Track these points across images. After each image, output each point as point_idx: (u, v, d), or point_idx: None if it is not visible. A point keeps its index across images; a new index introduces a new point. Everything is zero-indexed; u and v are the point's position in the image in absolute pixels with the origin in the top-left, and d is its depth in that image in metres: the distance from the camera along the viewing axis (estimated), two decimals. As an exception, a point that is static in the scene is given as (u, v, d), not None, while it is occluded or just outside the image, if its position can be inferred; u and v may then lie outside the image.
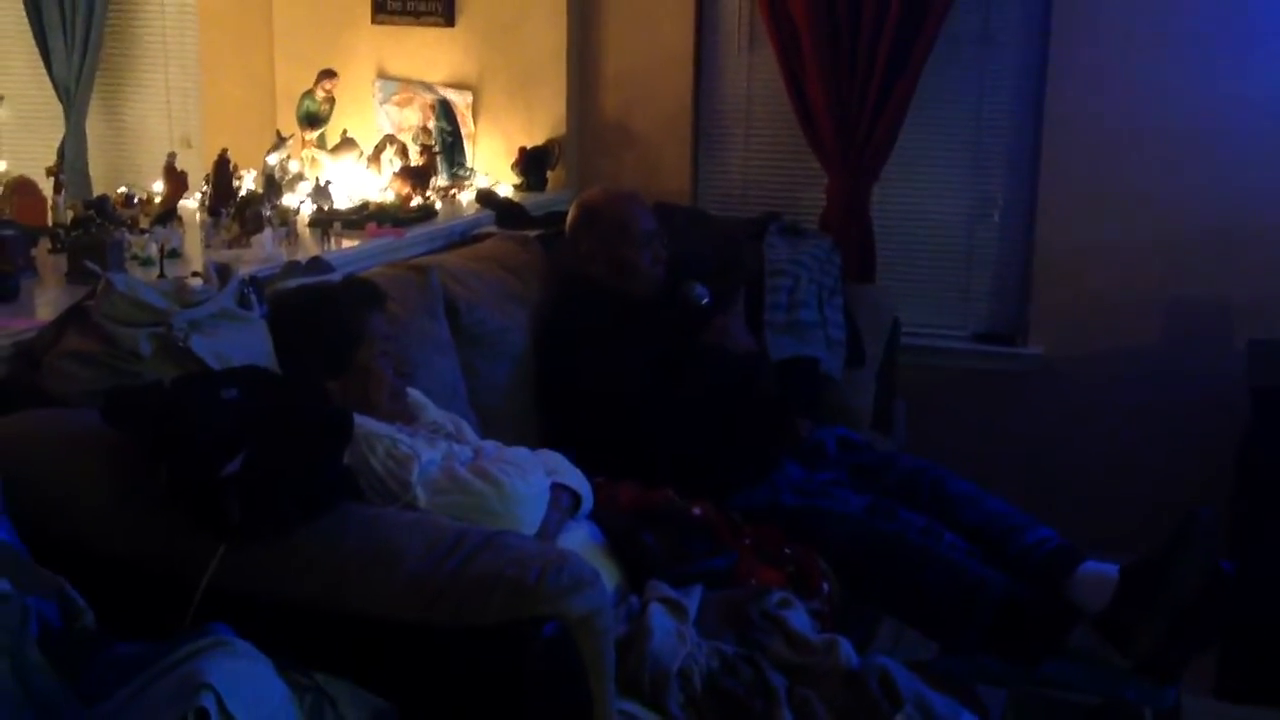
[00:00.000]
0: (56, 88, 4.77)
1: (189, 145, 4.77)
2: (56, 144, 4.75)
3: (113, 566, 2.03)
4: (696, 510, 2.79)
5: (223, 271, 2.51)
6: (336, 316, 2.60)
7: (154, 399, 2.06)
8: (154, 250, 2.86)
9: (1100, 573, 2.87)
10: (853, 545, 2.91)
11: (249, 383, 2.13)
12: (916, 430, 4.07)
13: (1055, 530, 3.06)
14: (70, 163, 4.63)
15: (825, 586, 2.77)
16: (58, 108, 4.79)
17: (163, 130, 4.94)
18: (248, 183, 3.71)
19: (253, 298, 2.51)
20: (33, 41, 4.74)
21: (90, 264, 2.50)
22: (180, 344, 2.26)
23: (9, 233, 2.72)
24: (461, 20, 4.36)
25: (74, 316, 2.29)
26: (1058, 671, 2.82)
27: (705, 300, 3.39)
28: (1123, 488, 4.03)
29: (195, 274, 2.62)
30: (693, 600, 2.45)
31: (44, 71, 4.76)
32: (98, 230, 2.78)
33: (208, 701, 1.59)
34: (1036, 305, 4.15)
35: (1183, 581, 2.72)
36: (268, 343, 2.48)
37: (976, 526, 3.05)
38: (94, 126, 4.88)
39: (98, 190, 4.31)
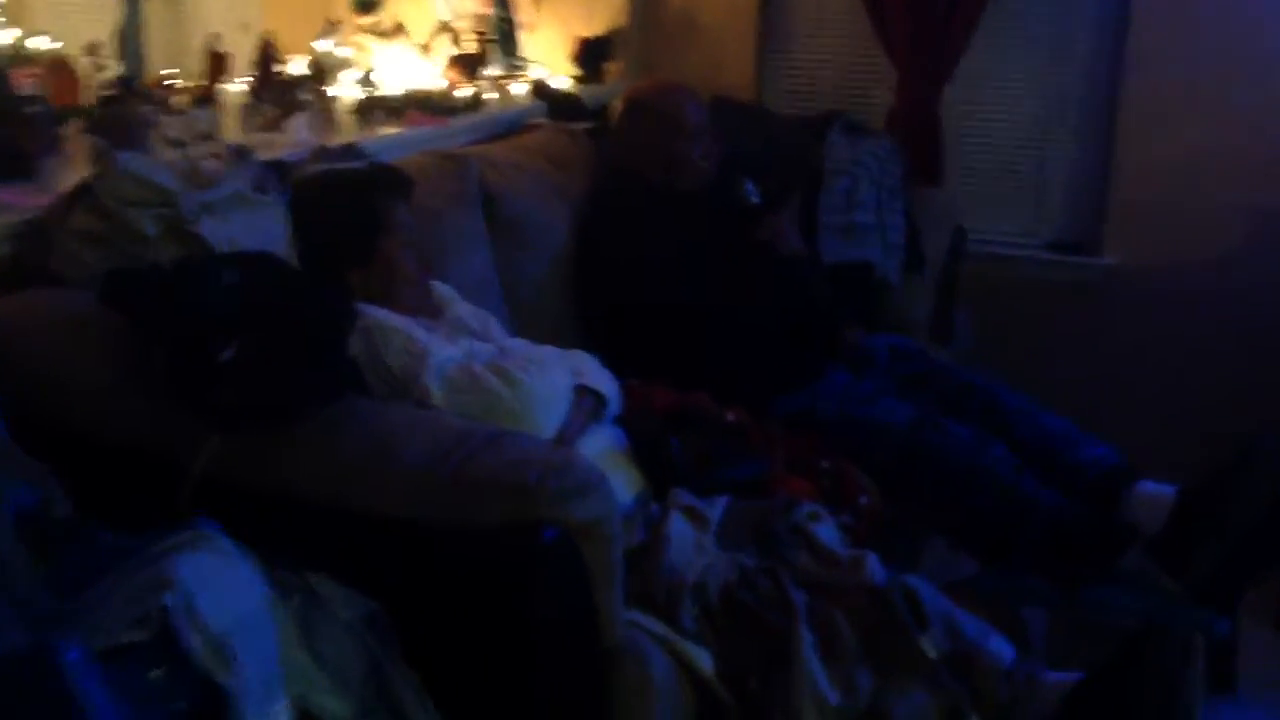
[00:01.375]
0: (115, -32, 4.67)
1: (246, 29, 4.66)
2: (115, 25, 4.66)
3: (104, 453, 1.98)
4: (730, 416, 2.68)
5: (241, 154, 2.41)
6: (359, 204, 2.51)
7: (152, 280, 1.98)
8: (181, 131, 2.77)
9: (1156, 493, 2.76)
10: (895, 457, 2.79)
11: (252, 267, 2.05)
12: (978, 341, 3.91)
13: (1113, 447, 2.92)
14: (129, 43, 4.55)
15: (863, 499, 2.65)
16: (116, -11, 4.70)
17: (220, 14, 4.82)
18: (295, 68, 3.61)
19: (269, 182, 2.41)
20: (90, -79, 4.63)
21: (98, 139, 2.41)
22: (188, 226, 2.18)
23: (35, 109, 2.64)
24: (522, -96, 4.20)
25: (80, 194, 2.21)
26: (1107, 595, 2.71)
27: (755, 198, 3.25)
28: (1191, 409, 3.85)
29: (215, 155, 2.53)
30: (716, 510, 2.35)
31: (102, -49, 4.66)
32: (122, 108, 2.70)
33: (170, 599, 1.52)
34: (1113, 213, 3.96)
35: (1243, 506, 2.59)
36: (284, 229, 2.40)
37: (1029, 441, 2.92)
38: (153, 7, 4.78)
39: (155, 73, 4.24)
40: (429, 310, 2.56)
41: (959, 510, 2.77)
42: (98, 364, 2.03)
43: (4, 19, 3.53)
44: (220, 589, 1.60)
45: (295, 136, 3.01)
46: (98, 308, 2.02)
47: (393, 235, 2.50)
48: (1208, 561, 2.62)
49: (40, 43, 3.59)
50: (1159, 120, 3.83)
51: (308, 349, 1.94)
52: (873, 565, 2.27)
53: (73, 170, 2.68)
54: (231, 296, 1.96)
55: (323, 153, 2.78)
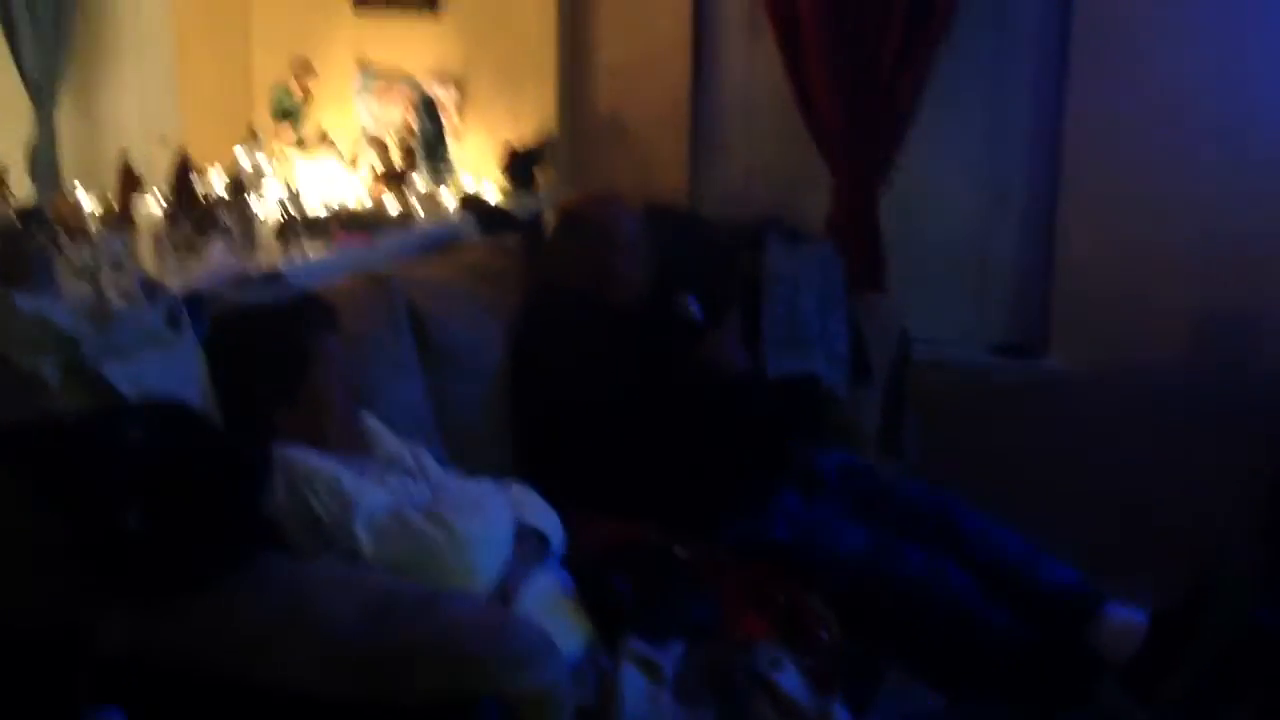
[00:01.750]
0: (26, 81, 4.52)
1: (164, 141, 4.52)
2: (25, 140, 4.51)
3: (-3, 632, 1.80)
4: (678, 549, 2.54)
5: (150, 288, 2.26)
6: (283, 340, 2.37)
7: (49, 437, 1.82)
8: (90, 261, 2.62)
9: (1123, 619, 2.66)
10: (852, 587, 2.66)
11: (158, 420, 1.89)
12: (928, 448, 3.81)
13: (1073, 559, 2.84)
14: (40, 159, 4.40)
15: (823, 634, 2.52)
16: (28, 102, 4.55)
17: (138, 125, 4.69)
18: (215, 183, 3.48)
19: (184, 317, 2.26)
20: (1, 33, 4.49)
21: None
22: (91, 370, 2.01)
23: (-74, 243, 2.49)
24: (447, 8, 4.11)
25: (-27, 340, 2.05)
26: (1076, 725, 2.59)
27: (697, 314, 3.14)
28: (1148, 512, 3.75)
29: (120, 289, 2.38)
30: (670, 658, 2.21)
31: (12, 64, 4.51)
32: (25, 242, 2.54)
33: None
34: (1057, 315, 3.88)
35: (1215, 632, 2.49)
36: (199, 369, 2.24)
37: (989, 564, 2.80)
38: (66, 121, 4.63)
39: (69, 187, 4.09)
40: (358, 447, 2.41)
41: (920, 641, 2.66)
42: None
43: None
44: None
45: (214, 261, 2.86)
46: (-9, 467, 1.86)
47: (319, 371, 2.37)
48: (1180, 687, 2.52)
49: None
50: (1100, 216, 3.76)
51: (219, 511, 1.78)
52: (839, 717, 2.13)
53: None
54: (136, 456, 1.80)
55: (243, 281, 2.63)
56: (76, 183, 3.41)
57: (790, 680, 2.20)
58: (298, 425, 2.31)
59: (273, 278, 2.69)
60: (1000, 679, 2.59)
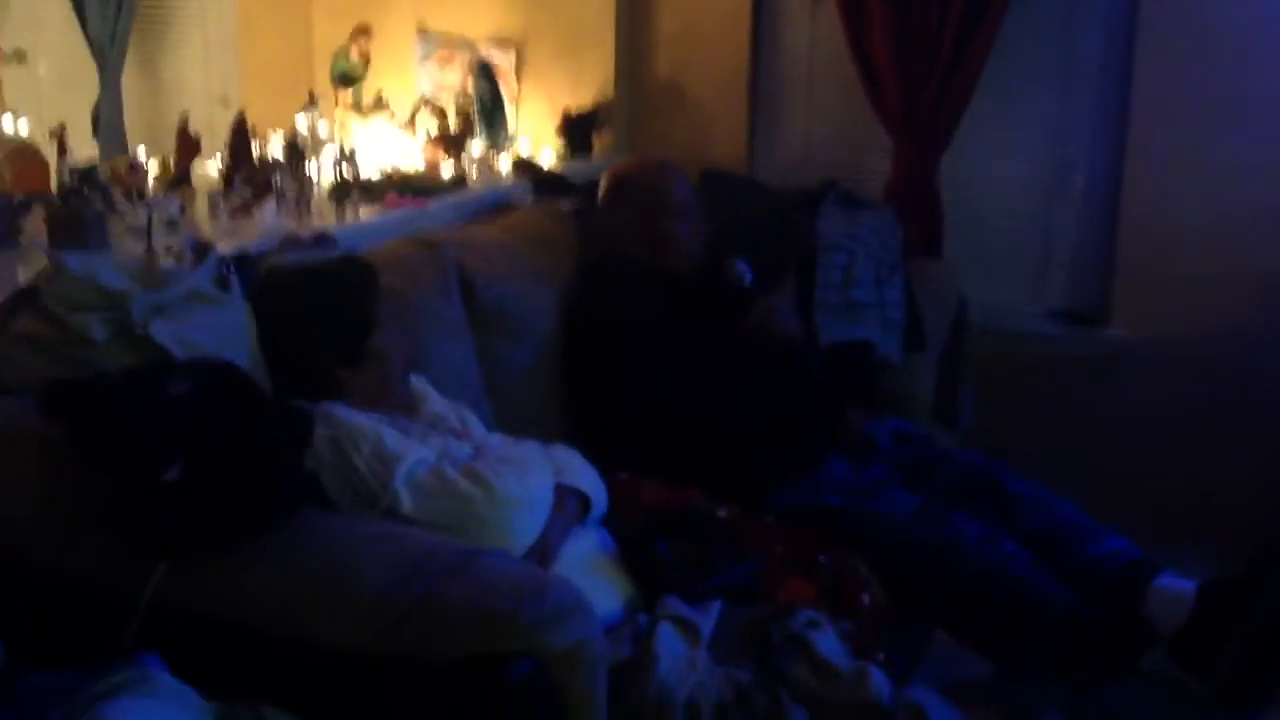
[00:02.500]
0: (92, 45, 4.58)
1: (226, 104, 4.57)
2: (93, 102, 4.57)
3: (38, 579, 1.84)
4: (722, 513, 2.53)
5: (199, 248, 2.29)
6: (348, 300, 2.38)
7: (92, 393, 1.84)
8: (145, 221, 2.65)
9: (1175, 589, 2.60)
10: (900, 553, 2.64)
11: (203, 376, 1.90)
12: (984, 418, 3.77)
13: (1128, 534, 2.78)
14: (106, 121, 4.45)
15: (865, 598, 2.50)
16: (94, 66, 4.61)
17: (200, 88, 4.74)
18: (274, 147, 3.50)
19: (232, 277, 2.28)
20: (68, -3, 4.55)
21: (36, 242, 2.29)
22: (139, 329, 2.04)
23: (-14, 201, 2.53)
24: (507, -26, 4.11)
25: (26, 298, 2.08)
26: (1126, 697, 2.54)
27: (748, 278, 3.12)
28: (1208, 485, 3.69)
29: (169, 250, 2.41)
30: (708, 619, 2.21)
31: (79, 28, 4.57)
32: (79, 202, 2.57)
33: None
34: (1120, 283, 3.81)
35: (1269, 603, 2.42)
36: (247, 328, 2.26)
37: (1041, 533, 2.76)
38: (131, 85, 4.67)
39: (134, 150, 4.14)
40: (406, 406, 2.42)
41: (968, 608, 2.62)
42: (34, 482, 1.89)
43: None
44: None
45: (266, 223, 2.88)
46: (38, 420, 1.88)
47: (383, 332, 2.39)
48: (1231, 660, 2.47)
49: (8, 124, 3.49)
50: (1166, 185, 3.69)
51: (260, 465, 1.80)
52: (878, 681, 2.12)
53: (31, 264, 2.56)
54: (178, 410, 1.82)
55: (292, 241, 2.65)
56: (141, 147, 3.44)
57: (827, 642, 2.18)
58: (367, 384, 2.34)
59: (322, 239, 2.70)
60: (1049, 648, 2.54)
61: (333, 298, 2.39)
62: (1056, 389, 3.86)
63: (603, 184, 3.27)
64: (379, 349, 2.39)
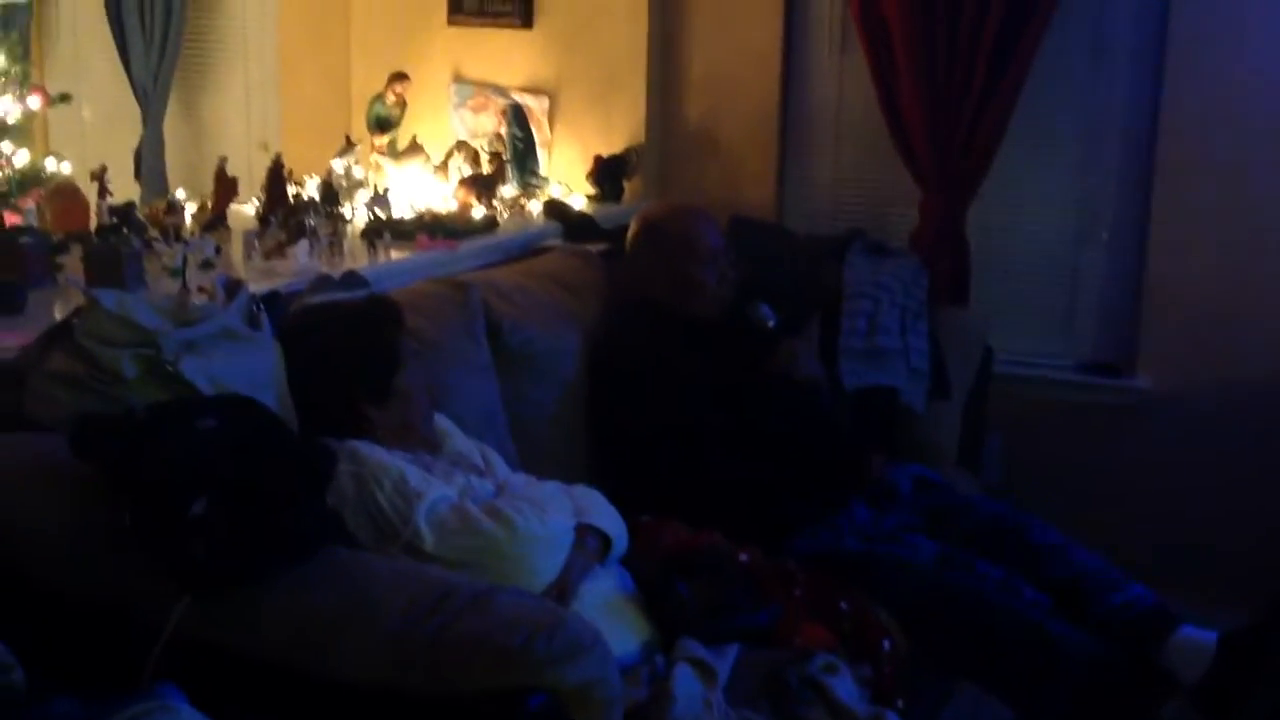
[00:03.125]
0: (135, 88, 4.68)
1: (265, 148, 4.64)
2: (135, 145, 4.65)
3: (67, 610, 1.87)
4: (744, 557, 2.55)
5: (231, 287, 2.33)
6: (375, 340, 2.44)
7: (123, 428, 1.89)
8: (181, 261, 2.70)
9: (1197, 639, 2.60)
10: (921, 599, 2.65)
11: (230, 413, 1.94)
12: (1010, 466, 3.78)
13: (1153, 584, 2.78)
14: (148, 164, 4.54)
15: (886, 644, 2.50)
16: (137, 108, 4.71)
17: (241, 132, 4.83)
18: (310, 189, 3.57)
19: (262, 316, 2.32)
20: (112, 41, 4.65)
21: (71, 279, 2.34)
22: (169, 367, 2.09)
23: (25, 240, 2.58)
24: (539, 22, 4.16)
25: (59, 335, 2.13)
26: (1147, 747, 2.54)
27: (771, 322, 3.15)
28: (1233, 536, 3.68)
29: (202, 289, 2.46)
30: (725, 662, 2.22)
31: (123, 71, 4.67)
32: (117, 240, 2.63)
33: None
34: (1146, 334, 3.81)
35: (1288, 656, 2.42)
36: (276, 366, 2.30)
37: (1062, 581, 2.77)
38: (172, 127, 4.78)
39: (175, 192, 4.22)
40: (430, 444, 2.46)
41: (989, 655, 2.62)
42: (65, 516, 1.94)
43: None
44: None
45: (298, 264, 2.93)
46: (69, 456, 1.93)
47: (407, 370, 2.44)
48: (1252, 713, 2.46)
49: (52, 165, 3.56)
50: (1193, 236, 3.70)
51: (283, 501, 1.83)
52: (892, 726, 2.13)
53: (68, 302, 2.62)
54: (205, 445, 1.85)
55: (322, 282, 2.70)
56: (180, 190, 3.50)
57: (845, 686, 2.20)
58: (388, 421, 2.39)
59: (351, 279, 2.74)
60: (1070, 697, 2.54)
61: (358, 336, 2.44)
62: (1082, 438, 3.85)
63: (633, 228, 3.30)
64: (403, 387, 2.44)
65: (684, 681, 2.12)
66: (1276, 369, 3.66)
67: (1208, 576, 3.58)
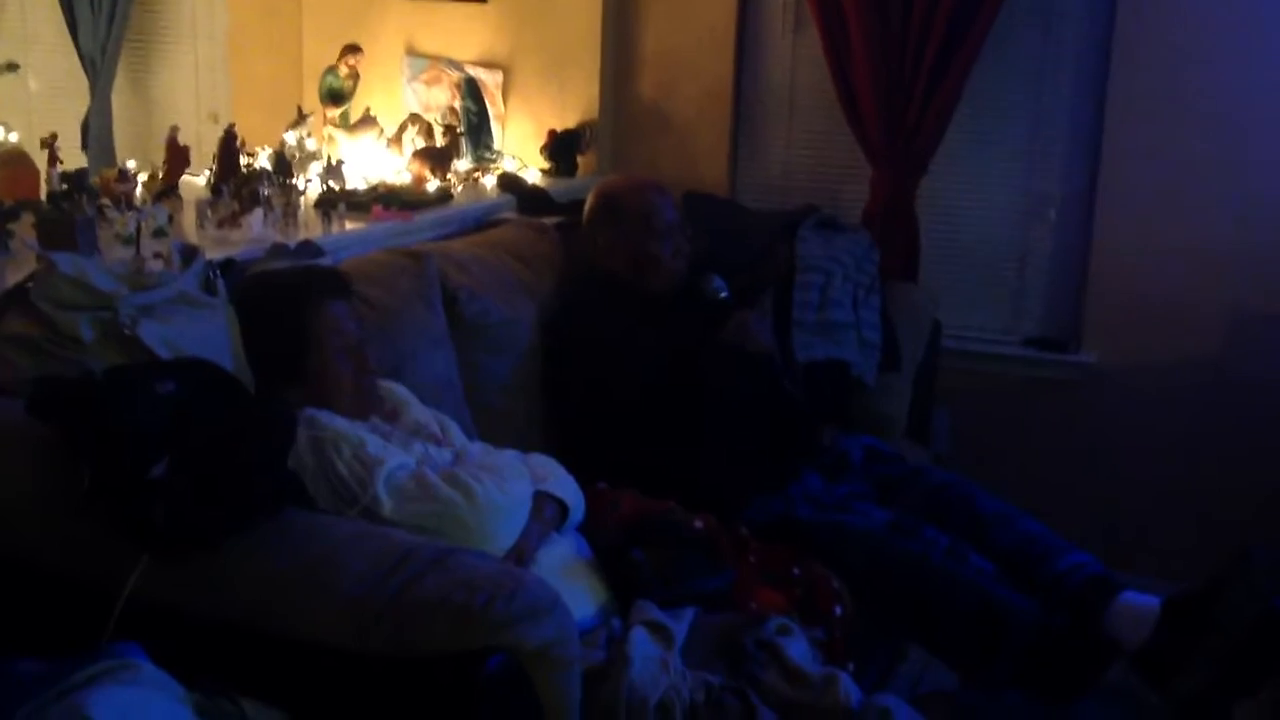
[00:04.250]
0: (82, 59, 4.63)
1: (215, 120, 4.61)
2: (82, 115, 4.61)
3: (25, 572, 1.87)
4: (698, 524, 2.58)
5: (187, 253, 2.33)
6: (287, 319, 2.36)
7: (81, 391, 1.88)
8: (134, 228, 2.69)
9: (1140, 605, 2.64)
10: (871, 565, 2.69)
11: (189, 375, 1.95)
12: (958, 439, 3.83)
13: (1095, 555, 2.83)
14: (95, 134, 4.50)
15: (838, 609, 2.55)
16: (85, 79, 4.65)
17: (190, 103, 4.79)
18: (262, 161, 3.55)
19: (220, 283, 2.32)
20: (59, 11, 4.59)
21: (28, 242, 2.33)
22: (126, 330, 2.08)
23: (-24, 207, 2.57)
24: (494, -5, 4.17)
25: (15, 298, 2.12)
26: (1091, 711, 2.58)
27: (724, 294, 3.17)
28: (1175, 510, 3.76)
29: (158, 255, 2.45)
30: (681, 625, 2.25)
31: (70, 42, 4.62)
32: (70, 207, 2.61)
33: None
34: (1092, 310, 3.88)
35: (1231, 619, 2.47)
36: (232, 332, 2.30)
37: (1008, 549, 2.81)
38: (121, 99, 4.73)
39: (122, 163, 4.18)
40: (380, 413, 2.46)
41: (935, 621, 2.67)
42: (22, 478, 1.93)
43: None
44: (138, 726, 1.49)
45: (252, 233, 2.92)
46: (26, 418, 1.92)
47: (322, 347, 2.37)
48: (1194, 677, 2.51)
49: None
50: (1137, 216, 3.76)
51: (243, 464, 1.84)
52: (846, 685, 2.17)
53: (19, 268, 2.60)
54: (165, 408, 1.86)
55: (278, 250, 2.69)
56: (130, 161, 3.47)
57: (798, 648, 2.23)
58: (307, 398, 2.31)
59: (306, 248, 2.74)
60: (1014, 662, 2.58)
61: (273, 313, 2.39)
62: (1028, 412, 3.93)
63: (590, 201, 3.31)
64: (316, 368, 2.36)
65: (641, 644, 2.15)
66: (1218, 345, 3.74)
67: (1150, 548, 3.65)
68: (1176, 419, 3.78)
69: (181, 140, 3.41)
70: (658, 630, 2.20)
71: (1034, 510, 2.97)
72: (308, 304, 2.37)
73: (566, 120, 4.12)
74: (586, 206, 3.32)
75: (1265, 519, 3.48)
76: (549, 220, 3.53)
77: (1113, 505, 3.79)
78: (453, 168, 3.81)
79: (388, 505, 2.15)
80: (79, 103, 4.66)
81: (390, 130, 3.96)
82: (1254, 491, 3.62)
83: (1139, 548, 3.64)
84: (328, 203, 3.29)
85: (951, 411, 3.81)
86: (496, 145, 4.11)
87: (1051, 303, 3.98)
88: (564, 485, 2.47)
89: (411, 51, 4.27)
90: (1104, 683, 2.58)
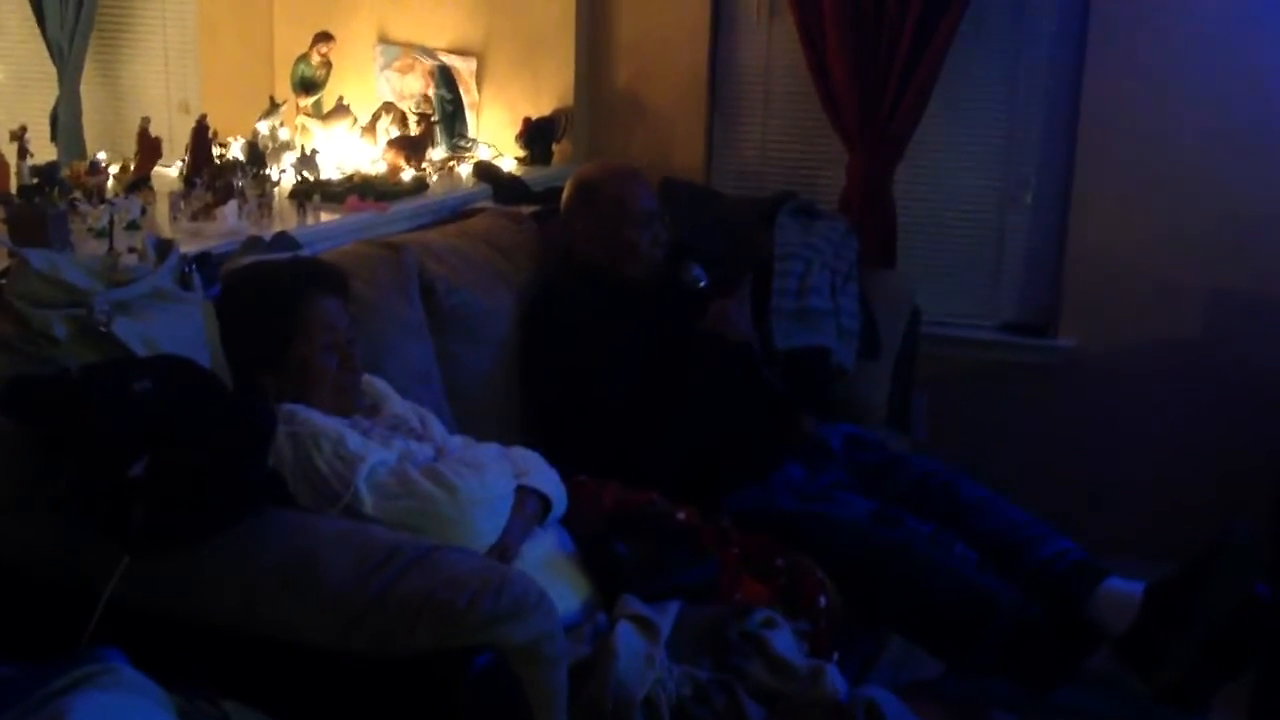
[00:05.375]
0: (50, 48, 4.57)
1: (186, 110, 4.57)
2: (51, 106, 4.55)
3: (1, 575, 1.84)
4: (680, 515, 2.57)
5: (162, 247, 2.29)
6: (274, 305, 2.36)
7: (56, 390, 1.85)
8: (107, 222, 2.65)
9: (1123, 591, 2.65)
10: (854, 554, 2.68)
11: (166, 373, 1.92)
12: (937, 425, 3.83)
13: (1077, 541, 2.83)
14: (64, 125, 4.44)
15: (822, 600, 2.54)
16: (53, 69, 4.60)
17: (160, 93, 4.74)
18: (235, 151, 3.51)
19: (195, 277, 2.29)
20: (26, 0, 4.53)
21: (1, 239, 2.29)
22: (101, 327, 2.05)
23: (-58, 201, 2.52)
24: (467, -18, 4.14)
25: (-13, 296, 2.09)
26: (1074, 698, 2.59)
27: (703, 283, 3.16)
28: (1155, 493, 3.78)
29: (132, 249, 2.41)
30: (667, 618, 2.23)
31: (38, 31, 4.56)
32: (41, 201, 2.58)
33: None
34: (1069, 295, 3.89)
35: (1213, 605, 2.49)
36: (208, 327, 2.27)
37: (990, 535, 2.82)
38: (90, 89, 4.68)
39: (92, 155, 4.13)
40: (359, 409, 2.43)
41: (919, 609, 2.67)
42: (-2, 480, 1.90)
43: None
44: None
45: (227, 225, 2.89)
46: (1, 419, 1.89)
47: (310, 339, 2.35)
48: (1177, 662, 2.52)
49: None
50: (1115, 199, 3.77)
51: (223, 462, 1.81)
52: (833, 677, 2.16)
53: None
54: (143, 406, 1.83)
55: (254, 243, 2.66)
56: (101, 153, 3.43)
57: (783, 640, 2.22)
58: (283, 389, 2.30)
59: (281, 240, 2.71)
60: (998, 649, 2.58)
61: (259, 300, 2.38)
62: (1007, 397, 3.93)
63: (568, 188, 3.28)
64: (299, 358, 2.34)
65: (626, 638, 2.13)
66: (1196, 329, 3.75)
67: (1129, 533, 3.66)
68: (1155, 402, 3.79)
69: (152, 131, 3.37)
70: (643, 624, 2.19)
71: (1013, 492, 2.98)
72: (304, 293, 2.36)
73: (541, 108, 4.09)
74: (564, 194, 3.30)
75: (1244, 502, 3.49)
76: (526, 209, 3.51)
77: (1091, 489, 3.80)
78: (428, 156, 3.78)
79: (369, 502, 2.13)
80: (47, 94, 4.61)
81: (364, 119, 3.93)
82: (1233, 474, 3.63)
83: (1117, 531, 3.64)
84: (303, 194, 3.26)
85: (929, 397, 3.81)
86: (471, 133, 4.08)
87: (1029, 287, 3.99)
88: (546, 479, 2.45)
89: (384, 39, 4.23)
90: (1088, 669, 2.59)
